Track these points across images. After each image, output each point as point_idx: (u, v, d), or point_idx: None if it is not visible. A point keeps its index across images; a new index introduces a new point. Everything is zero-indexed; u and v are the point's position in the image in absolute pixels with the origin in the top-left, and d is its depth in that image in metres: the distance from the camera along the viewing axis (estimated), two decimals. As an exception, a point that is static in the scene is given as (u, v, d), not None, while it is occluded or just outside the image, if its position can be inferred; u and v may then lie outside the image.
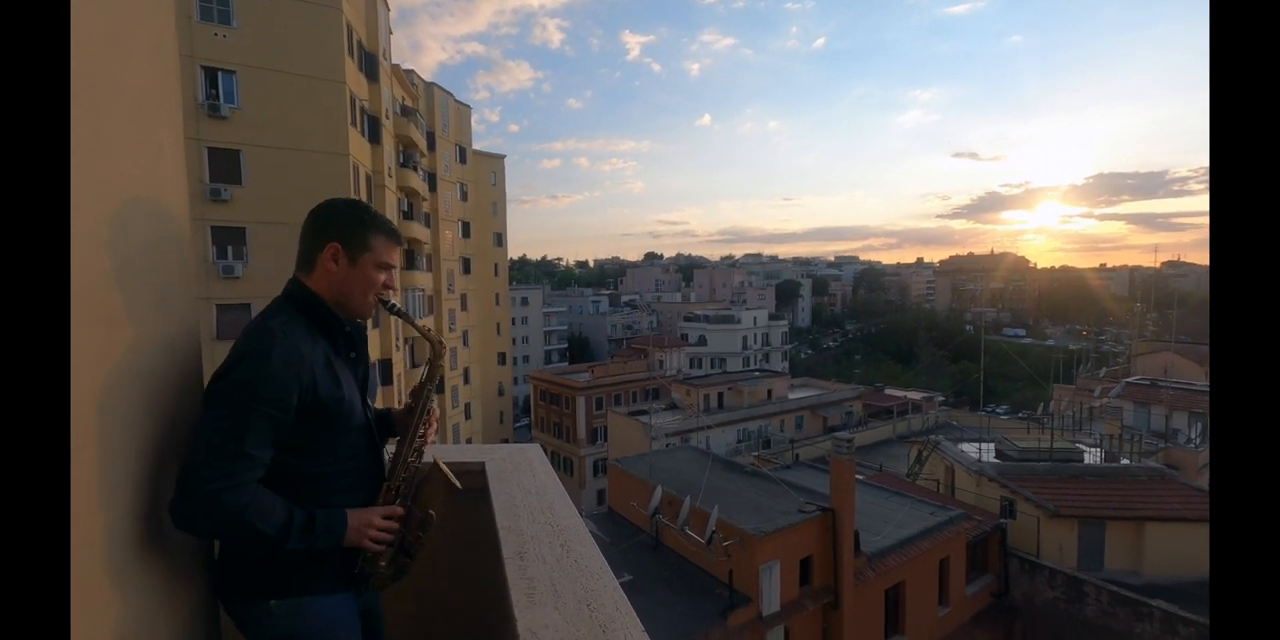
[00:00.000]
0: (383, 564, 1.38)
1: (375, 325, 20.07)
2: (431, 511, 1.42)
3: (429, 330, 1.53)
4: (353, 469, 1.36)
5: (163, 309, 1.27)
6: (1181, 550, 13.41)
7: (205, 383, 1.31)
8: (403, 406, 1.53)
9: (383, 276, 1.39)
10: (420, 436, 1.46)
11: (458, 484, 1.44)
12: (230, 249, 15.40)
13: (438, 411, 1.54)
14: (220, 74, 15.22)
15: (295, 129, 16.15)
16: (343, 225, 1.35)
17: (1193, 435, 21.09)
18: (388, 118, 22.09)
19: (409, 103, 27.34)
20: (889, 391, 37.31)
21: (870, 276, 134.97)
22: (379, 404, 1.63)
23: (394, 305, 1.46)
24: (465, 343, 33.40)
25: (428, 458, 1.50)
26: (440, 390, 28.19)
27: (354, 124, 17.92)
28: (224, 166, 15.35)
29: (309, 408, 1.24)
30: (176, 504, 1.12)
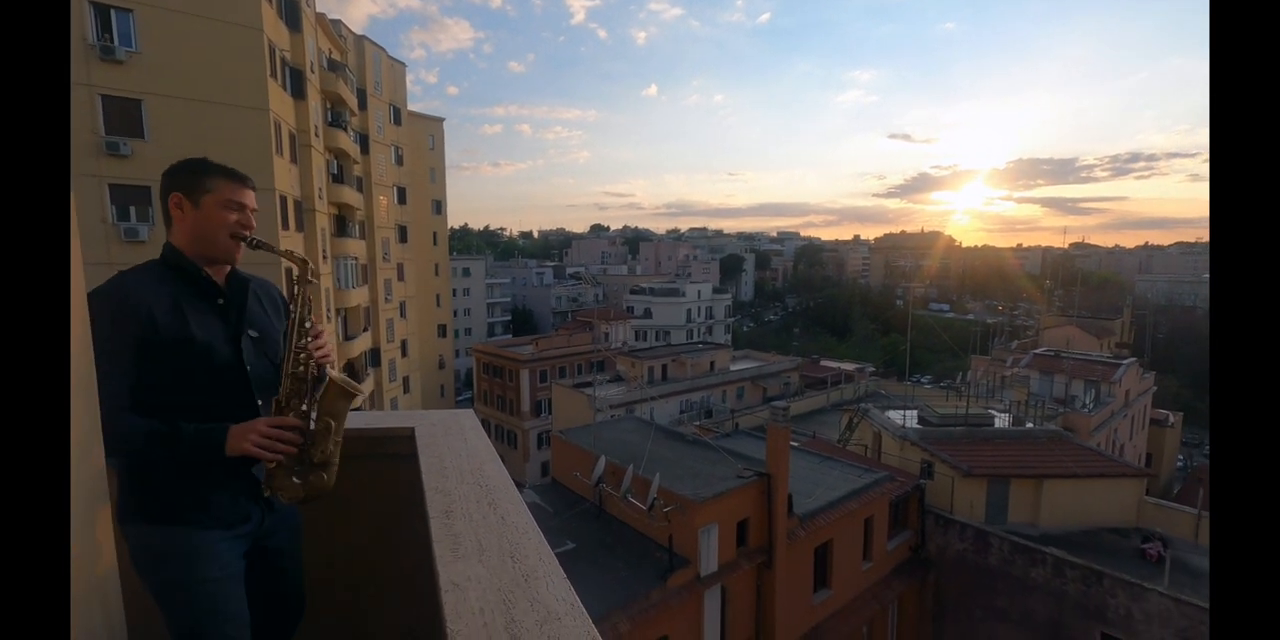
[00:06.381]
0: (293, 479, 1.44)
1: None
2: (332, 421, 1.46)
3: (292, 252, 1.57)
4: (218, 403, 1.44)
5: None
6: (1073, 503, 14.97)
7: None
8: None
9: (234, 216, 1.48)
10: (300, 348, 1.47)
11: (359, 390, 1.50)
12: (134, 210, 14.07)
13: (321, 327, 1.57)
14: (114, 12, 13.60)
15: (206, 78, 14.71)
16: (178, 175, 1.46)
17: (1087, 401, 23.28)
18: (313, 71, 20.48)
19: (336, 56, 25.42)
20: (825, 363, 38.99)
21: (810, 252, 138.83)
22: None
23: (254, 239, 1.52)
24: (403, 314, 32.24)
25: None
26: (375, 363, 27.22)
27: (274, 76, 16.51)
28: (122, 117, 13.86)
29: (156, 344, 1.35)
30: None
